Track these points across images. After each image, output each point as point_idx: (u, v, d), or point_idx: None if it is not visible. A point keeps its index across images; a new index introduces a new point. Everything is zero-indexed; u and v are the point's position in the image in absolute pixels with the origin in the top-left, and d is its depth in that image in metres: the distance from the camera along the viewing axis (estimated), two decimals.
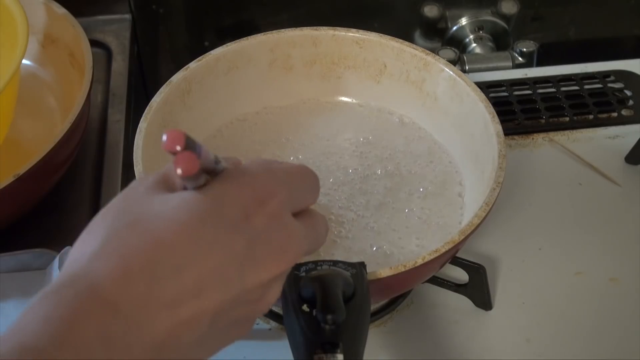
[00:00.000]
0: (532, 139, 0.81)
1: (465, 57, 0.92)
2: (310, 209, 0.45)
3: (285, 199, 0.40)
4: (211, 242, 0.36)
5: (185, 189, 0.39)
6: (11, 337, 0.33)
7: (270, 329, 0.65)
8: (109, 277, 0.34)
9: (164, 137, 0.36)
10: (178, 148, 0.36)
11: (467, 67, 0.92)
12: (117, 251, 0.35)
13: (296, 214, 0.42)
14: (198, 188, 0.38)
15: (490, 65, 0.92)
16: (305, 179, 0.44)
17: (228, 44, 0.71)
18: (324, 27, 0.73)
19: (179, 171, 0.36)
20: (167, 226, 0.36)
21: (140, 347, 0.34)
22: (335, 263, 0.51)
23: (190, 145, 0.36)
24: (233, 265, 0.37)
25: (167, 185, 0.39)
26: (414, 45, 0.71)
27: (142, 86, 0.96)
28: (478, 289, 0.66)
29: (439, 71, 0.70)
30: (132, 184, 0.40)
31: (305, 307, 0.47)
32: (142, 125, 0.64)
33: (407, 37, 0.80)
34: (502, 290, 0.68)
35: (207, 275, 0.36)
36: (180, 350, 0.36)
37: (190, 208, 0.37)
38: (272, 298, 0.41)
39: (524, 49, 0.94)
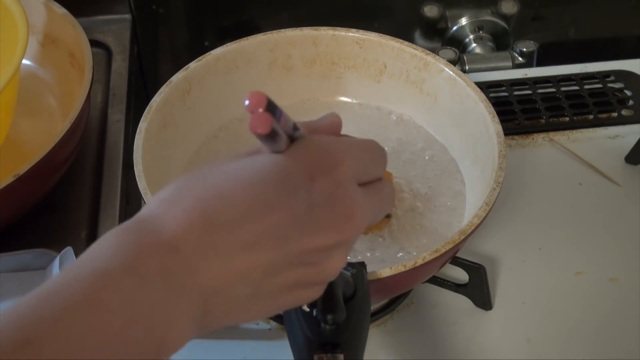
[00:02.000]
0: (532, 139, 0.81)
1: (465, 57, 0.92)
2: (379, 180, 0.45)
3: (351, 168, 0.41)
4: (271, 201, 0.38)
5: None
6: (86, 262, 0.36)
7: (270, 329, 0.65)
8: (172, 222, 0.37)
9: (246, 101, 0.37)
10: (260, 110, 0.37)
11: (467, 67, 0.92)
12: (182, 200, 0.37)
13: (363, 185, 0.43)
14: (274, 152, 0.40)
15: (490, 65, 0.92)
16: (373, 152, 0.45)
17: (228, 44, 0.71)
18: (324, 27, 0.73)
19: (253, 130, 0.37)
20: (231, 182, 0.38)
21: (195, 288, 0.36)
22: None
23: (271, 108, 0.37)
24: (291, 225, 0.38)
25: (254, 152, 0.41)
26: (414, 45, 0.71)
27: (142, 86, 0.96)
28: (478, 289, 0.66)
29: (439, 71, 0.70)
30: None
31: (305, 307, 0.47)
32: (142, 125, 0.64)
33: (407, 37, 0.80)
34: (502, 290, 0.68)
35: (262, 231, 0.37)
36: (234, 302, 0.38)
37: (257, 167, 0.39)
38: (334, 265, 0.41)
39: (524, 49, 0.94)
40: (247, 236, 0.37)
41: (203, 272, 0.36)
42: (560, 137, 0.81)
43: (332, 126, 0.45)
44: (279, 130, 0.39)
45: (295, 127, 0.41)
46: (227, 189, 0.38)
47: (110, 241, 0.36)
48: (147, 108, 0.65)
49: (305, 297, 0.42)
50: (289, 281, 0.40)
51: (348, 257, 0.42)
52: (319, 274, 0.41)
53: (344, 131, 0.47)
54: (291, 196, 0.38)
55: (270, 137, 0.38)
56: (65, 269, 0.35)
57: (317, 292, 0.42)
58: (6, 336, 0.31)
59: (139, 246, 0.36)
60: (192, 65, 0.69)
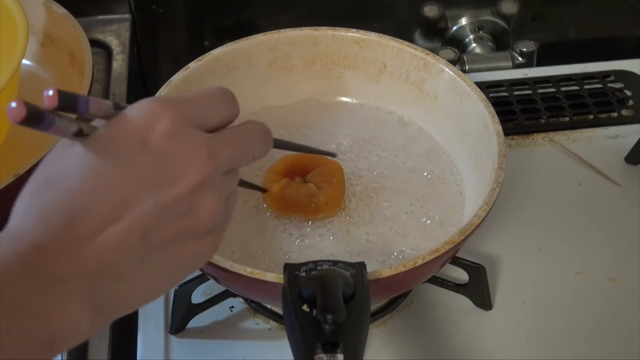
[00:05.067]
0: (532, 139, 0.81)
1: (465, 57, 0.92)
2: (238, 126, 0.46)
3: (179, 116, 0.41)
4: (115, 175, 0.39)
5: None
6: None
7: (270, 329, 0.65)
8: (32, 227, 0.38)
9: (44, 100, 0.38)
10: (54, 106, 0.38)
11: (467, 67, 0.92)
12: (36, 207, 0.39)
13: (214, 131, 0.43)
14: (86, 136, 0.40)
15: (490, 65, 0.92)
16: (209, 98, 0.44)
17: (228, 44, 0.71)
18: (324, 27, 0.73)
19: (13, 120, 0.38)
20: (72, 176, 0.39)
21: (71, 274, 0.38)
22: (335, 263, 0.51)
23: (65, 102, 0.39)
24: (143, 187, 0.39)
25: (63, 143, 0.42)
26: (414, 45, 0.71)
27: (142, 86, 0.96)
28: (478, 289, 0.66)
29: (439, 71, 0.70)
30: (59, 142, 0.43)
31: (305, 307, 0.47)
32: None
33: (407, 37, 0.80)
34: (502, 290, 0.68)
35: (120, 202, 0.39)
36: (121, 277, 0.39)
37: (86, 154, 0.40)
38: (206, 208, 0.42)
39: (524, 49, 0.94)
40: (106, 212, 0.38)
41: (75, 258, 0.38)
42: (560, 137, 0.81)
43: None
44: (46, 115, 0.39)
45: (117, 106, 0.41)
46: (71, 183, 0.39)
47: None
48: None
49: (195, 251, 0.42)
50: (166, 237, 0.40)
51: (219, 197, 0.43)
52: (194, 221, 0.42)
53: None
54: (130, 162, 0.39)
55: (31, 122, 0.38)
56: None
57: (209, 244, 0.43)
58: None
59: (5, 254, 0.37)
60: (192, 65, 0.69)
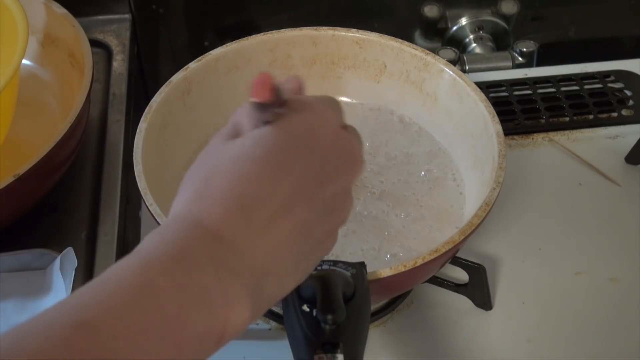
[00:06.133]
0: (532, 139, 0.81)
1: (465, 57, 0.92)
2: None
3: (337, 116, 0.44)
4: (290, 166, 0.40)
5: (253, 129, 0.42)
6: (133, 255, 0.36)
7: (270, 329, 0.65)
8: (207, 215, 0.38)
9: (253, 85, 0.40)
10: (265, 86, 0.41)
11: (467, 67, 0.92)
12: (209, 194, 0.39)
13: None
14: (266, 124, 0.41)
15: (490, 65, 0.92)
16: (335, 102, 0.47)
17: (228, 44, 0.71)
18: (324, 27, 0.73)
19: (255, 96, 0.40)
20: (249, 163, 0.39)
21: (245, 269, 0.37)
22: (335, 263, 0.51)
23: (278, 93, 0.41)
24: (313, 181, 0.40)
25: (236, 133, 0.43)
26: (414, 45, 0.71)
27: (142, 86, 0.96)
28: (478, 289, 0.66)
29: (439, 71, 0.70)
30: (211, 140, 0.43)
31: (305, 307, 0.47)
32: (142, 125, 0.64)
33: (407, 37, 0.80)
34: (502, 290, 0.68)
35: (292, 195, 0.39)
36: (283, 272, 0.40)
37: (266, 142, 0.40)
38: (349, 205, 0.44)
39: (524, 49, 0.94)
40: (280, 204, 0.39)
41: (249, 252, 0.38)
42: (560, 137, 0.81)
43: (298, 91, 0.47)
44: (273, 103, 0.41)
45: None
46: (245, 172, 0.39)
47: (152, 239, 0.37)
48: (147, 108, 0.65)
49: (330, 246, 0.44)
50: (321, 233, 0.41)
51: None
52: (340, 217, 0.43)
53: None
54: (304, 155, 0.41)
55: (266, 107, 0.40)
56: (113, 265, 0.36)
57: (335, 239, 0.44)
58: (63, 318, 0.32)
59: (183, 239, 0.37)
60: (192, 65, 0.69)
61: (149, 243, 0.37)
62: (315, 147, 0.41)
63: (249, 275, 0.37)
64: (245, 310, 0.37)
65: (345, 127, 0.46)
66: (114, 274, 0.35)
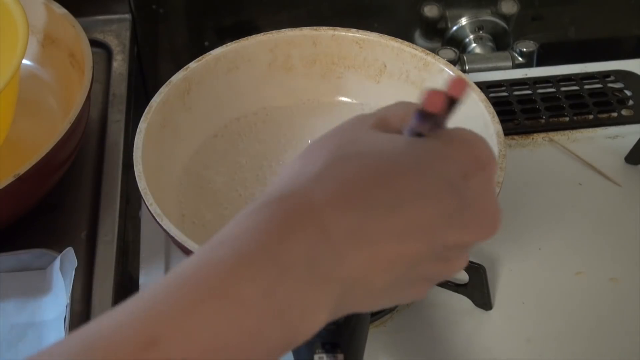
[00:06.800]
0: (532, 139, 0.81)
1: (465, 57, 0.92)
2: None
3: (496, 169, 0.40)
4: (429, 192, 0.36)
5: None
6: (226, 242, 0.33)
7: None
8: (328, 201, 0.34)
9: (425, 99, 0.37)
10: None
11: (467, 67, 0.92)
12: (338, 179, 0.35)
13: None
14: (418, 135, 0.38)
15: (490, 65, 0.92)
16: (492, 152, 0.42)
17: (228, 44, 0.71)
18: (324, 27, 0.73)
19: (426, 106, 0.37)
20: (391, 165, 0.36)
21: (337, 278, 0.34)
22: None
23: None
24: (442, 220, 0.36)
25: (385, 127, 0.39)
26: (414, 45, 0.71)
27: (142, 86, 0.96)
28: (478, 289, 0.66)
29: (439, 71, 0.70)
30: (351, 120, 0.40)
31: None
32: (142, 125, 0.64)
33: (407, 37, 0.80)
34: (502, 290, 0.68)
35: (416, 222, 0.35)
36: (369, 292, 0.36)
37: (418, 154, 0.37)
38: (462, 263, 0.40)
39: (524, 49, 0.94)
40: (400, 225, 0.35)
41: (350, 260, 0.34)
42: (560, 137, 0.81)
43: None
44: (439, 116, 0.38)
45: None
46: (387, 172, 0.36)
47: (252, 221, 0.33)
48: (147, 108, 0.65)
49: (424, 292, 0.40)
50: (423, 274, 0.38)
51: None
52: (448, 270, 0.39)
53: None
54: (447, 189, 0.37)
55: (429, 119, 0.37)
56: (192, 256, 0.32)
57: (428, 288, 0.40)
58: (127, 337, 0.29)
59: (285, 227, 0.33)
60: (192, 65, 0.69)
61: (248, 225, 0.33)
62: (460, 188, 0.37)
63: (338, 285, 0.34)
64: (319, 322, 0.34)
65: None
66: (194, 272, 0.31)
